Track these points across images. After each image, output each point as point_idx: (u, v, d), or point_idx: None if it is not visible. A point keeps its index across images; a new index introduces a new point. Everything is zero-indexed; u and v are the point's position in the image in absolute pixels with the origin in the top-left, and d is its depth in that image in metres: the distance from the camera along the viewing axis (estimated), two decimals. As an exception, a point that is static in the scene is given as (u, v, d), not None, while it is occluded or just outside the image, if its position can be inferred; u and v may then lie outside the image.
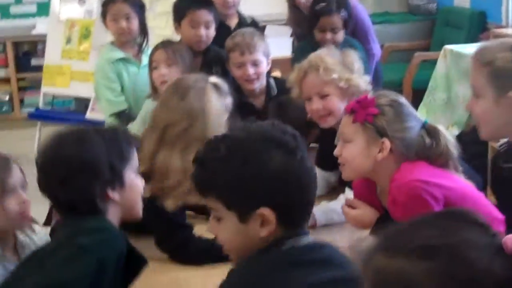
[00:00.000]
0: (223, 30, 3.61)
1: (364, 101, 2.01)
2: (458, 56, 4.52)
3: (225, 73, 3.49)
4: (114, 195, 1.77)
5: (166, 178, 2.17)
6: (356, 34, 3.76)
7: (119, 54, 3.51)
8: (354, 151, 2.01)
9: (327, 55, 2.53)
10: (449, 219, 1.00)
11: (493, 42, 2.06)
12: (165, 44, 3.14)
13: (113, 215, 1.79)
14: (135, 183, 1.85)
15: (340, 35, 3.55)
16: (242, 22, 3.82)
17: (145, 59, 3.51)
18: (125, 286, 1.78)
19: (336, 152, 2.07)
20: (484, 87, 1.95)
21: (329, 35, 3.53)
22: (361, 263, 1.01)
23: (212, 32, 3.42)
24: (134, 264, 1.77)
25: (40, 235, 2.08)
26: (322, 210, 2.44)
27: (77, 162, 1.73)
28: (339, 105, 2.49)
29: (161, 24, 4.44)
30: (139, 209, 1.87)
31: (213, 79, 2.29)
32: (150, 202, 2.06)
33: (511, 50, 1.91)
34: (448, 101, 4.57)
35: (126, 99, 3.50)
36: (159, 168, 2.19)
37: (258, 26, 3.93)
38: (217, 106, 2.24)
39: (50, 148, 1.80)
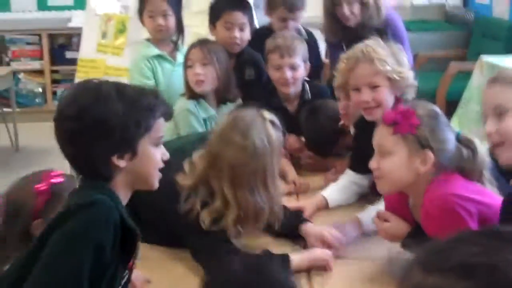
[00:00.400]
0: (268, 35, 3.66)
1: (406, 112, 1.98)
2: (494, 67, 4.45)
3: (258, 76, 3.51)
4: (119, 162, 1.68)
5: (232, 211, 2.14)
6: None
7: (155, 51, 3.51)
8: (395, 164, 1.98)
9: (378, 46, 2.48)
10: (490, 237, 0.96)
11: None
12: (202, 43, 3.14)
13: (121, 184, 1.72)
14: (151, 154, 1.74)
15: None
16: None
17: (180, 57, 3.52)
18: (124, 259, 1.72)
19: (373, 165, 2.03)
20: None
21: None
22: (399, 277, 0.99)
23: (246, 34, 3.42)
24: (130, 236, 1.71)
25: None
26: (368, 215, 2.38)
27: (86, 117, 1.64)
28: (388, 97, 2.46)
29: (196, 23, 4.43)
30: (153, 181, 1.79)
31: (268, 115, 2.21)
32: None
33: None
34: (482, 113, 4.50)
35: None
36: (232, 203, 2.14)
37: (313, 42, 3.90)
38: (277, 143, 2.19)
39: (66, 97, 1.72)
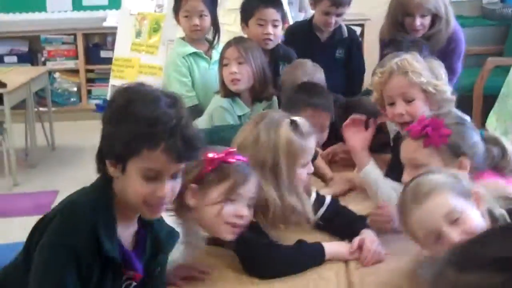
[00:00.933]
0: (311, 41, 3.73)
1: (435, 123, 1.99)
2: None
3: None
4: (111, 169, 1.64)
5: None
6: (449, 52, 3.66)
7: (191, 49, 3.52)
8: None
9: (413, 59, 2.45)
10: None
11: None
12: (237, 42, 3.13)
13: (118, 191, 1.67)
14: (132, 181, 1.62)
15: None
16: (336, 36, 3.78)
17: (215, 55, 3.52)
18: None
19: (406, 179, 2.00)
20: None
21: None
22: (430, 279, 0.97)
23: (279, 30, 3.42)
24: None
25: None
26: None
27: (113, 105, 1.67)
28: (422, 111, 2.38)
29: (229, 21, 4.42)
30: (137, 209, 1.68)
31: (296, 118, 2.21)
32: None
33: None
34: (521, 109, 4.43)
35: (196, 94, 3.50)
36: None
37: (354, 40, 3.91)
38: (290, 146, 2.14)
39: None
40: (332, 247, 2.15)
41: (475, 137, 2.03)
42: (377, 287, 1.94)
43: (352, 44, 3.84)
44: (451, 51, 3.68)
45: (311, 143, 2.19)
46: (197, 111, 3.39)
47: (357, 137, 2.55)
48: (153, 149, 1.57)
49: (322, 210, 2.31)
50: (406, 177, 2.03)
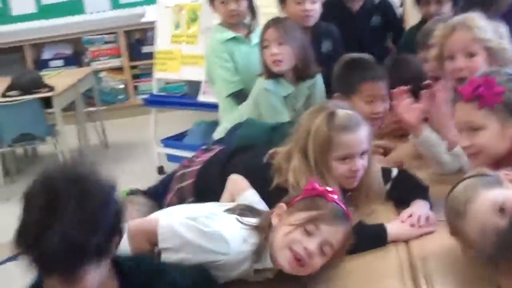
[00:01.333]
0: (343, 14, 3.66)
1: (487, 82, 1.93)
2: None
3: (335, 48, 3.47)
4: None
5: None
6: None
7: (230, 34, 3.52)
8: (490, 136, 1.94)
9: (478, 17, 2.40)
10: None
11: None
12: (276, 22, 3.11)
13: None
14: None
15: (447, 7, 3.38)
16: (367, 4, 3.74)
17: (254, 38, 3.51)
18: None
19: (464, 143, 1.98)
20: None
21: (433, 7, 3.38)
22: None
23: (318, 6, 3.38)
24: None
25: None
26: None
27: None
28: (483, 67, 2.31)
29: (266, 3, 4.41)
30: None
31: (342, 110, 2.19)
32: None
33: None
34: None
35: (240, 79, 3.51)
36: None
37: (388, 7, 3.84)
38: (317, 132, 2.15)
39: None
40: (394, 227, 2.07)
41: None
42: (440, 270, 1.88)
43: (386, 8, 3.80)
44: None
45: (348, 138, 2.14)
46: (243, 95, 3.41)
47: (411, 112, 2.43)
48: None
49: (389, 185, 2.30)
50: (464, 141, 1.99)
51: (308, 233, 1.75)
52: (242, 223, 1.85)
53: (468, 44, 2.37)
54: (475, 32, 2.35)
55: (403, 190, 2.25)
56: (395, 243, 2.04)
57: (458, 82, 2.37)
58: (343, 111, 2.19)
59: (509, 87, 1.94)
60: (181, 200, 2.41)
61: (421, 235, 2.06)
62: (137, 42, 7.15)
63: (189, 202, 2.33)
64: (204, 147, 2.71)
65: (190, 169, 2.47)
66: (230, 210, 1.95)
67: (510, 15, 3.46)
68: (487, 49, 2.36)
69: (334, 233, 1.77)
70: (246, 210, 1.95)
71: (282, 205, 1.85)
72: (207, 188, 2.37)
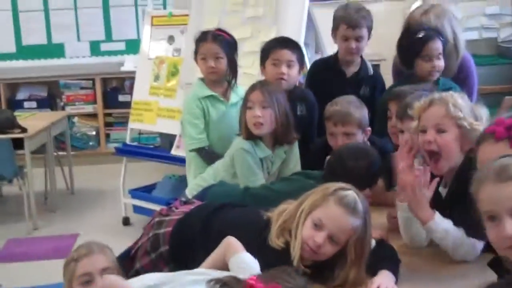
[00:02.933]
0: (338, 76, 3.71)
1: None
2: (551, 101, 4.38)
3: (309, 113, 3.53)
4: None
5: None
6: (460, 82, 3.67)
7: (207, 91, 3.57)
8: None
9: (458, 96, 2.45)
10: None
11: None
12: (263, 85, 3.14)
13: None
14: None
15: (442, 62, 3.47)
16: (361, 73, 3.78)
17: (233, 97, 3.57)
18: None
19: None
20: None
21: (435, 62, 3.45)
22: None
23: (294, 72, 3.43)
24: None
25: None
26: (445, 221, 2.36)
27: None
28: (451, 146, 2.38)
29: (248, 63, 4.47)
30: None
31: (350, 193, 2.20)
32: None
33: None
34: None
35: (211, 136, 3.54)
36: None
37: (379, 78, 3.89)
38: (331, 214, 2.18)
39: None
40: None
41: None
42: None
43: (377, 83, 3.84)
44: (462, 81, 3.69)
45: (336, 214, 2.16)
46: (209, 153, 3.45)
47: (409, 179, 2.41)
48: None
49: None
50: None
51: None
52: None
53: (440, 120, 2.41)
54: (449, 109, 2.39)
55: (376, 260, 2.25)
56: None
57: (428, 156, 2.43)
58: (354, 195, 2.20)
59: None
60: (154, 246, 2.40)
61: None
62: (114, 90, 7.16)
63: (165, 253, 2.35)
64: (183, 199, 2.71)
65: (169, 218, 2.45)
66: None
67: (457, 81, 3.62)
68: (459, 127, 2.39)
69: None
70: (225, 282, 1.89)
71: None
72: (184, 239, 2.35)
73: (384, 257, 2.27)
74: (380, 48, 5.98)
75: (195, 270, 2.11)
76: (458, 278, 2.25)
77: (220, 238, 2.26)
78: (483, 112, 2.47)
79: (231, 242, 2.15)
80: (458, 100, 2.43)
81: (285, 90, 3.38)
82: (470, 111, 2.42)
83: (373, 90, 3.78)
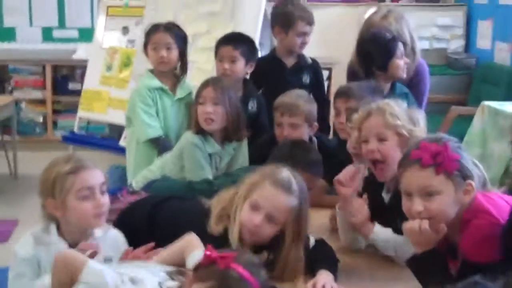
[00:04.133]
0: (279, 67, 3.85)
1: (445, 150, 2.00)
2: (495, 112, 4.50)
3: (259, 108, 3.63)
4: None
5: None
6: (413, 94, 3.76)
7: (157, 83, 3.58)
8: (445, 202, 1.99)
9: (394, 103, 2.51)
10: None
11: None
12: (215, 82, 3.18)
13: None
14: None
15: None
16: (301, 62, 3.93)
17: (179, 92, 3.59)
18: None
19: (418, 208, 2.00)
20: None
21: (404, 59, 3.54)
22: None
23: (238, 67, 3.55)
24: None
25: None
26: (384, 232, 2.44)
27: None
28: (393, 153, 2.43)
29: (202, 59, 4.48)
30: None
31: (284, 173, 2.26)
32: None
33: None
34: (482, 158, 4.51)
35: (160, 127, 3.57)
36: None
37: (318, 68, 4.00)
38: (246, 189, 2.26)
39: None
40: None
41: (470, 159, 2.07)
42: None
43: (316, 71, 4.02)
44: (415, 85, 3.79)
45: (271, 193, 2.20)
46: (164, 143, 3.46)
47: (361, 212, 2.46)
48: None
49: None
50: (417, 207, 2.00)
51: None
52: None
53: (380, 129, 2.47)
54: (387, 118, 2.45)
55: (315, 259, 2.29)
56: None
57: (372, 164, 2.51)
58: (289, 173, 2.25)
59: (461, 153, 2.02)
60: None
61: None
62: (64, 78, 7.05)
63: None
64: (130, 189, 2.73)
65: (114, 207, 2.45)
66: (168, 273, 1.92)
67: (411, 85, 3.72)
68: (398, 134, 2.45)
69: None
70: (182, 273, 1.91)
71: (190, 273, 1.79)
72: (128, 230, 2.35)
73: (323, 257, 2.32)
74: (333, 52, 6.06)
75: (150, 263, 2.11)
76: (396, 280, 2.31)
77: (164, 229, 2.31)
78: (420, 116, 2.54)
79: (191, 239, 2.15)
80: (395, 108, 2.48)
81: (243, 86, 3.46)
82: (407, 116, 2.48)
83: (314, 78, 3.91)
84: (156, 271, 1.93)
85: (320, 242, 2.41)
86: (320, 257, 2.31)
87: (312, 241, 2.37)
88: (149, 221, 2.40)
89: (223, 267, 1.67)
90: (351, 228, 2.52)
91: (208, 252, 1.72)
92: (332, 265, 2.28)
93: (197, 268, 1.74)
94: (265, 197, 2.19)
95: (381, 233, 2.44)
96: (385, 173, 2.48)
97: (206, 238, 2.16)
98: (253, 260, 1.73)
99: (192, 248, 2.10)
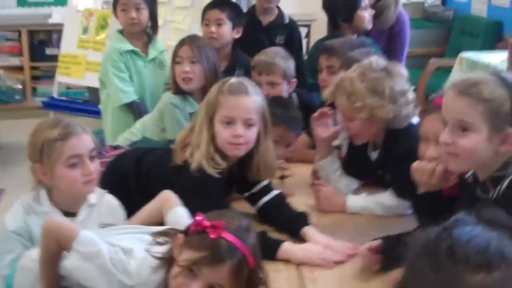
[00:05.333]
0: (254, 25, 3.84)
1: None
2: (473, 63, 4.53)
3: (248, 75, 3.57)
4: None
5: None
6: (394, 44, 3.77)
7: (128, 46, 3.55)
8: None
9: (359, 77, 2.42)
10: None
11: (483, 77, 1.81)
12: (191, 41, 3.16)
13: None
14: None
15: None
16: (276, 21, 3.92)
17: (152, 52, 3.57)
18: None
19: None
20: (478, 123, 1.77)
21: (369, 11, 3.58)
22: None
23: (224, 30, 3.53)
24: None
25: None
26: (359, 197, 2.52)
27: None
28: (362, 130, 2.46)
29: (178, 19, 4.45)
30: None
31: (232, 81, 2.32)
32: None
33: (505, 87, 1.77)
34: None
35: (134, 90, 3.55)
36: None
37: (295, 26, 3.98)
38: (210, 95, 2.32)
39: None
40: (288, 250, 2.16)
41: None
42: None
43: (293, 30, 4.00)
44: (395, 35, 3.81)
45: (231, 100, 2.25)
46: (136, 107, 3.45)
47: (326, 131, 2.64)
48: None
49: (265, 199, 2.41)
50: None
51: (193, 276, 1.67)
52: (152, 255, 1.79)
53: (345, 110, 2.47)
54: (348, 101, 2.43)
55: (286, 213, 2.37)
56: (286, 263, 2.12)
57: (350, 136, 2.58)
58: (237, 79, 2.31)
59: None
60: None
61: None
62: (41, 43, 6.97)
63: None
64: (113, 145, 2.76)
65: (101, 160, 2.45)
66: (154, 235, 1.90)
67: (391, 35, 3.74)
68: (361, 115, 2.42)
69: (217, 273, 1.66)
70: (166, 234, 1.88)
71: (180, 236, 1.77)
72: (117, 179, 2.42)
73: (295, 213, 2.39)
74: (310, 9, 6.03)
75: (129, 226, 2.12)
76: (381, 230, 2.30)
77: (150, 172, 2.39)
78: (385, 83, 2.41)
79: (168, 196, 2.17)
80: (357, 84, 2.41)
81: (228, 55, 3.46)
82: (371, 91, 2.40)
83: (289, 38, 3.90)
84: (141, 237, 1.93)
85: (282, 196, 2.47)
86: (294, 212, 2.38)
87: (274, 192, 2.44)
88: (136, 171, 2.44)
89: (214, 236, 1.67)
90: (333, 178, 2.61)
91: (199, 219, 1.72)
92: (307, 219, 2.34)
93: (187, 233, 1.74)
94: (232, 108, 2.24)
95: (354, 203, 2.52)
96: (361, 141, 2.54)
97: (171, 173, 2.26)
98: (242, 225, 1.73)
99: (170, 206, 2.12)
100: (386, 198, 2.49)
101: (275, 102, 2.77)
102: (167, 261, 1.75)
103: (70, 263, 1.79)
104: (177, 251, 1.74)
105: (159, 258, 1.76)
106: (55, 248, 1.83)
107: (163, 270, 1.75)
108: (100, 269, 1.77)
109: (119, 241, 1.89)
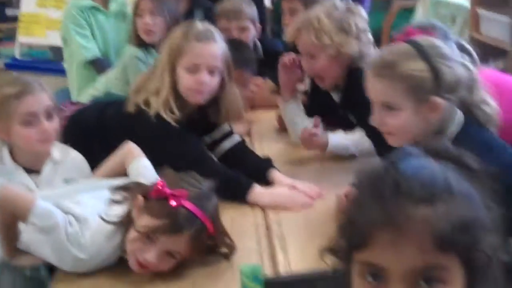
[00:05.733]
0: None
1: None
2: (436, 2, 4.54)
3: (207, 18, 3.54)
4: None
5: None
6: None
7: (88, 2, 3.49)
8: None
9: (325, 15, 2.42)
10: None
11: (398, 53, 1.81)
12: None
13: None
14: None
15: None
16: None
17: (113, 6, 3.52)
18: None
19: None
20: (401, 101, 1.77)
21: None
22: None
23: None
24: None
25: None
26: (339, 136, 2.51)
27: None
28: (327, 69, 2.45)
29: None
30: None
31: (198, 25, 2.30)
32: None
33: (423, 58, 1.76)
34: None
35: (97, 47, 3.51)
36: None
37: None
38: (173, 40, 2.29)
39: None
40: (258, 193, 2.18)
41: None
42: (292, 232, 1.99)
43: None
44: None
45: (197, 47, 2.23)
46: (100, 63, 3.41)
47: (290, 77, 2.66)
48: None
49: (227, 145, 2.42)
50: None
51: (150, 242, 1.69)
52: (106, 221, 1.77)
53: (309, 48, 2.46)
54: (313, 37, 2.41)
55: (250, 159, 2.39)
56: (252, 207, 2.14)
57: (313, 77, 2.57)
58: (202, 24, 2.29)
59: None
60: None
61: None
62: (0, 4, 6.83)
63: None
64: (73, 101, 2.74)
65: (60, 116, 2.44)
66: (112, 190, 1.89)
67: None
68: (327, 52, 2.42)
69: (176, 241, 1.69)
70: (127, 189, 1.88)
71: (140, 199, 1.76)
72: (79, 133, 2.39)
73: (259, 158, 2.41)
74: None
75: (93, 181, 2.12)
76: (345, 169, 2.37)
77: (112, 129, 2.34)
78: (357, 14, 2.46)
79: (130, 147, 2.16)
80: (324, 21, 2.41)
81: None
82: (338, 27, 2.41)
83: None
84: (101, 194, 1.89)
85: (244, 143, 2.49)
86: (258, 160, 2.40)
87: (236, 137, 2.46)
88: (98, 119, 2.41)
89: (175, 205, 1.69)
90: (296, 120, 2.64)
91: (159, 187, 1.72)
92: (271, 163, 2.36)
93: (146, 197, 1.74)
94: (198, 54, 2.23)
95: (337, 142, 2.51)
96: (324, 84, 2.53)
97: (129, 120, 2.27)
98: (203, 192, 1.75)
99: (132, 157, 2.11)
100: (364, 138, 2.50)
101: (230, 45, 2.79)
102: (125, 223, 1.76)
103: (26, 236, 1.78)
104: (135, 212, 1.74)
105: (115, 224, 1.76)
106: (11, 219, 1.81)
107: (120, 233, 1.76)
108: (54, 243, 1.74)
109: (76, 207, 1.84)
